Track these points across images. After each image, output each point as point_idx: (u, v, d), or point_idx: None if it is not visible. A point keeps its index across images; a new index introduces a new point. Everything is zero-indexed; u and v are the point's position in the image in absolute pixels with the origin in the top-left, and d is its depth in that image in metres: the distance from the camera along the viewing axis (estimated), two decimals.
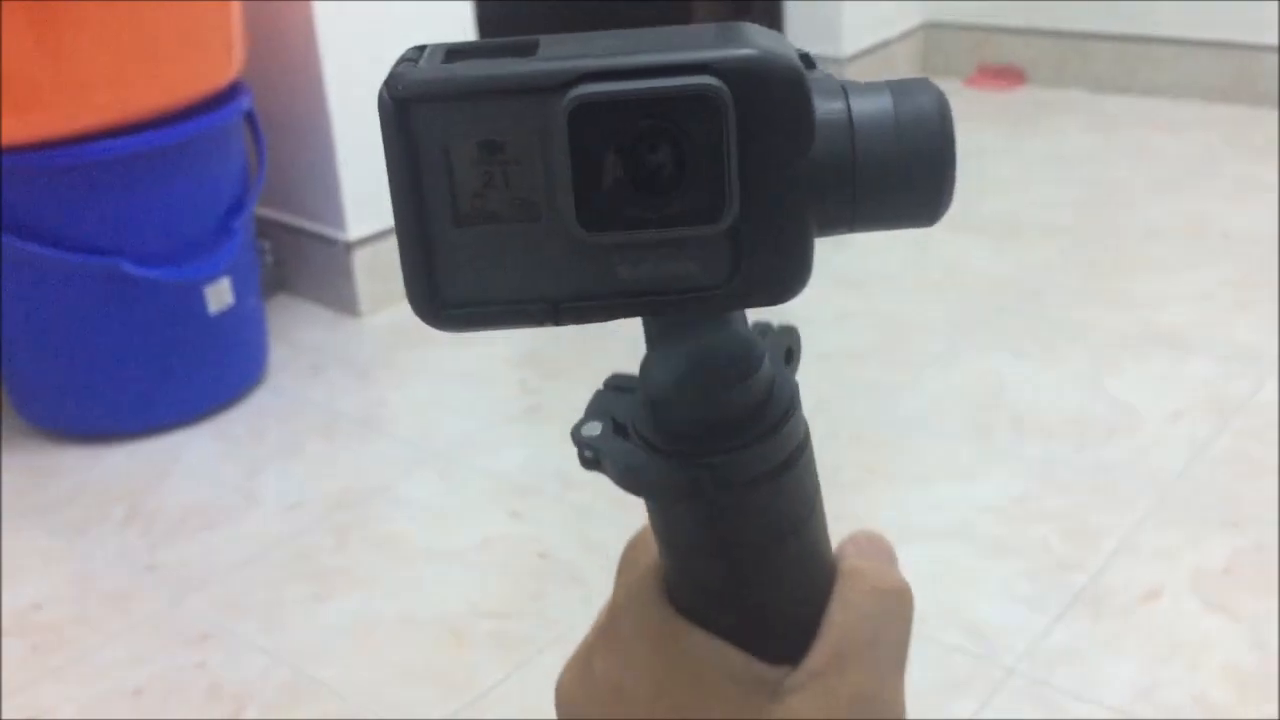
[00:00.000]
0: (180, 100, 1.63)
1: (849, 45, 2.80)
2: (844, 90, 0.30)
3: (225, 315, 1.73)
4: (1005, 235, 2.15)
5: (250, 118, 1.76)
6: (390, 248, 2.03)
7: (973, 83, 2.90)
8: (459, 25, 2.05)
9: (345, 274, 2.01)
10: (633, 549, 0.37)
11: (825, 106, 0.30)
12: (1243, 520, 1.39)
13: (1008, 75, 2.89)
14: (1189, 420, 1.59)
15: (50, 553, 1.50)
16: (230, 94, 1.71)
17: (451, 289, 0.30)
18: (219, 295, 1.72)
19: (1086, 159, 2.48)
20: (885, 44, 2.89)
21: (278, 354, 1.90)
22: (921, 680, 1.21)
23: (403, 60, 0.29)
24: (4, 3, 1.47)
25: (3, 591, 1.43)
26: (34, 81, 1.53)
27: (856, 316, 1.91)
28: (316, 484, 1.60)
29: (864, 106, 0.30)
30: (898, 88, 0.31)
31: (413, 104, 0.28)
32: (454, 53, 0.29)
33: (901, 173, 0.30)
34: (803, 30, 2.82)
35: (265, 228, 2.02)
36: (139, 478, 1.64)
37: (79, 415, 1.72)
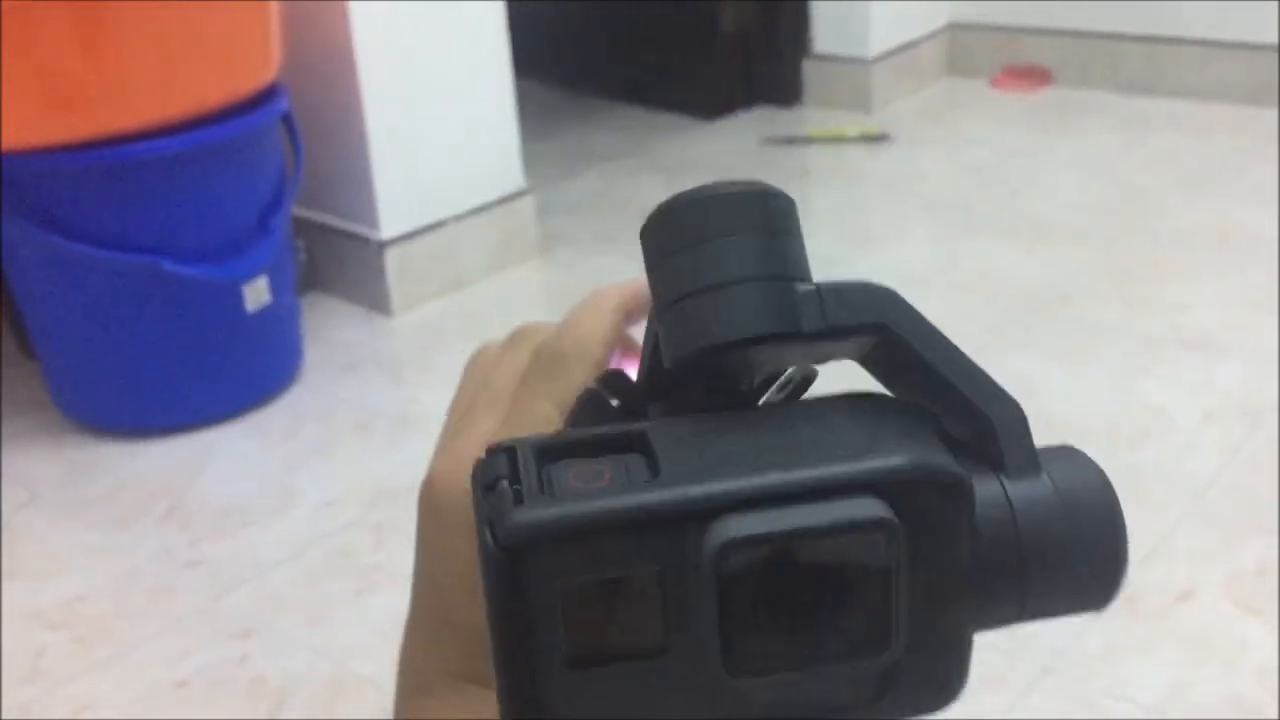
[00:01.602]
0: (220, 101, 1.65)
1: (875, 45, 2.80)
2: (996, 477, 0.27)
3: (262, 313, 1.75)
4: (1034, 238, 2.16)
5: (287, 118, 1.78)
6: (422, 246, 2.05)
7: (998, 84, 2.90)
8: (493, 27, 2.07)
9: (378, 272, 2.03)
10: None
11: (981, 493, 0.27)
12: (1274, 523, 1.40)
13: (1034, 76, 2.89)
14: (1221, 423, 1.59)
15: (92, 547, 1.52)
16: (268, 95, 1.73)
17: None
18: (256, 294, 1.74)
19: (1114, 161, 2.48)
20: (911, 44, 2.90)
21: (312, 352, 1.92)
22: None
23: (492, 476, 0.26)
24: (49, 5, 1.49)
25: (47, 585, 1.45)
26: (77, 83, 1.55)
27: None
28: (352, 481, 1.62)
29: (1023, 490, 0.27)
30: (1050, 462, 0.28)
31: (525, 552, 0.24)
32: (548, 454, 0.26)
33: (1073, 557, 0.27)
34: (829, 31, 2.83)
35: (299, 226, 2.04)
36: (178, 474, 1.66)
37: (119, 411, 1.75)
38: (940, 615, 0.26)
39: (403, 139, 2.00)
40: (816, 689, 0.26)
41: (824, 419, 0.27)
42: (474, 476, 0.26)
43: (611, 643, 0.25)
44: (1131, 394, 1.68)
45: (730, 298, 0.27)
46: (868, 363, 0.29)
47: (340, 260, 2.08)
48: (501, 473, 0.26)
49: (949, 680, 0.27)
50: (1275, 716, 1.15)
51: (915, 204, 2.35)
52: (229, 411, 1.76)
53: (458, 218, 2.09)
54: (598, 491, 0.25)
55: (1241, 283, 1.95)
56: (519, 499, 0.25)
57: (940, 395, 0.28)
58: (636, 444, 0.26)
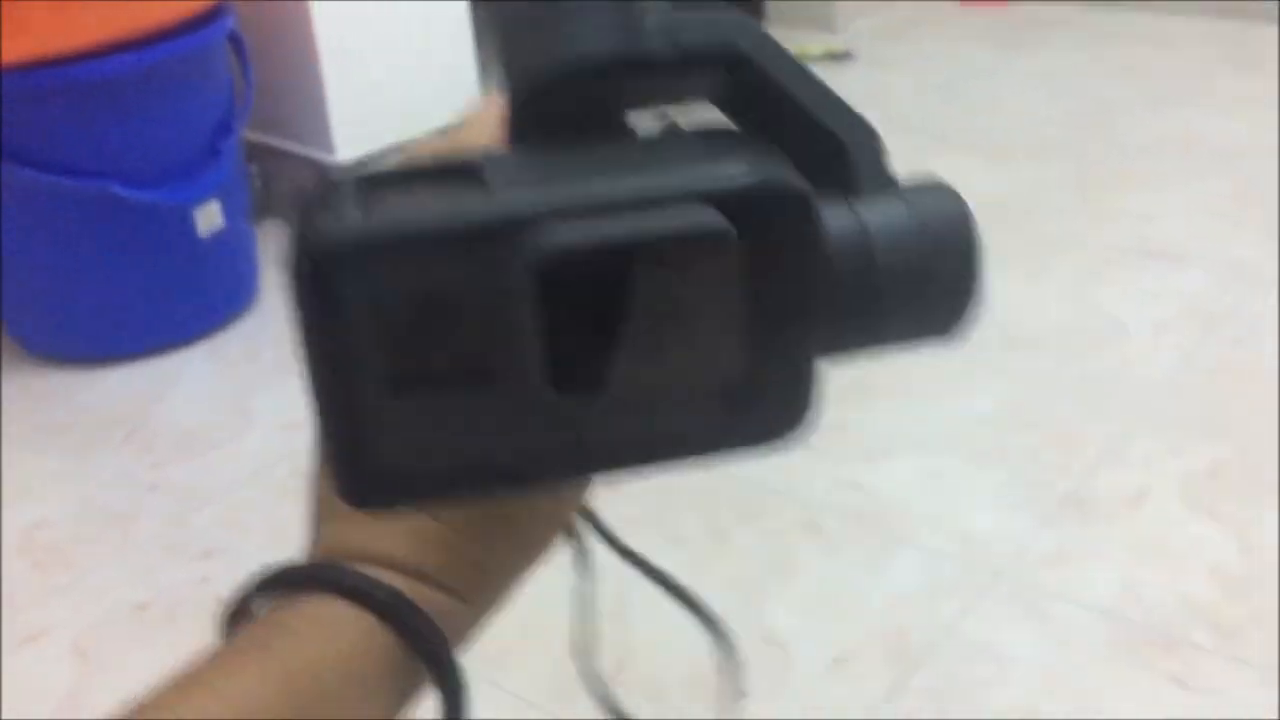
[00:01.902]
0: (164, 21, 1.61)
1: None
2: (848, 202, 0.27)
3: (215, 238, 1.73)
4: (996, 153, 2.15)
5: (234, 38, 1.74)
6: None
7: (962, 0, 2.87)
8: None
9: None
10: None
11: (834, 217, 0.26)
12: (1228, 427, 1.41)
13: None
14: (1177, 331, 1.60)
15: (52, 474, 1.51)
16: (214, 14, 1.69)
17: (386, 466, 0.25)
18: (209, 218, 1.71)
19: (1078, 75, 2.46)
20: None
21: (269, 277, 1.90)
22: (908, 583, 1.24)
23: (314, 201, 0.24)
24: None
25: (6, 512, 1.44)
26: (18, 2, 1.51)
27: None
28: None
29: (879, 217, 0.27)
30: (911, 191, 0.27)
31: (335, 262, 0.22)
32: (374, 182, 0.24)
33: (927, 281, 0.27)
34: None
35: (253, 152, 2.00)
36: (136, 400, 1.65)
37: (74, 339, 1.73)
38: (785, 336, 0.25)
39: (355, 60, 1.96)
40: (655, 413, 0.24)
41: (667, 141, 0.25)
42: (295, 208, 0.25)
43: (433, 364, 0.23)
44: (1090, 303, 1.69)
45: (567, 17, 0.25)
46: (722, 103, 0.27)
47: (296, 185, 2.05)
48: (324, 195, 0.24)
49: (795, 405, 0.25)
50: (1227, 615, 1.17)
51: (879, 122, 2.32)
52: (186, 337, 1.75)
53: (415, 141, 2.06)
54: (416, 206, 0.23)
55: (1206, 192, 1.95)
56: (334, 214, 0.23)
57: (796, 124, 0.27)
58: (467, 169, 0.24)
